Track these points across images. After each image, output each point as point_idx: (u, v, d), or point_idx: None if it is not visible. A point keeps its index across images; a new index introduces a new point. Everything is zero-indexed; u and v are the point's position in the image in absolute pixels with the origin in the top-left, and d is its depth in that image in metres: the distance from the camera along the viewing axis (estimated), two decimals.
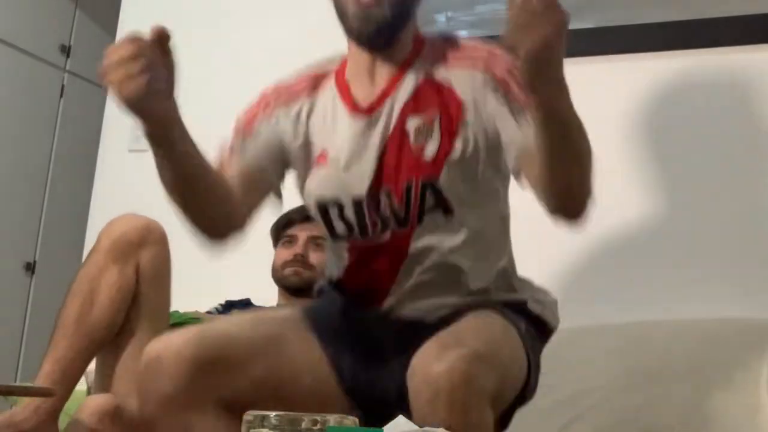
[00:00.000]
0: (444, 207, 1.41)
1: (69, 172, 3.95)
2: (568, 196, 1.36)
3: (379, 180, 1.42)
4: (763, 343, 1.87)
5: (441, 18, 2.52)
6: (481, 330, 1.30)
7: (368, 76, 1.48)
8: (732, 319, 1.96)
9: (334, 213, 1.46)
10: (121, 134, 2.86)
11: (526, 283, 1.57)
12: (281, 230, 2.32)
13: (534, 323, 1.48)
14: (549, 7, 1.15)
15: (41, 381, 1.64)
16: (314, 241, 2.27)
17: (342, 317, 1.51)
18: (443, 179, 1.39)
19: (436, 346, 1.21)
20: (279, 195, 1.56)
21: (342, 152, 1.45)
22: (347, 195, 1.44)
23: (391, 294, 1.46)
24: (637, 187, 2.21)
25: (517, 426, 1.76)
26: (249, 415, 1.04)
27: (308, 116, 1.50)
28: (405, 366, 1.25)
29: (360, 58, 1.49)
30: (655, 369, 1.92)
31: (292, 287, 2.25)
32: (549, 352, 1.79)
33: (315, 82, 1.54)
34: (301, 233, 2.28)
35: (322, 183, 1.47)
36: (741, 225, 2.10)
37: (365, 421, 1.35)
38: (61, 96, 3.98)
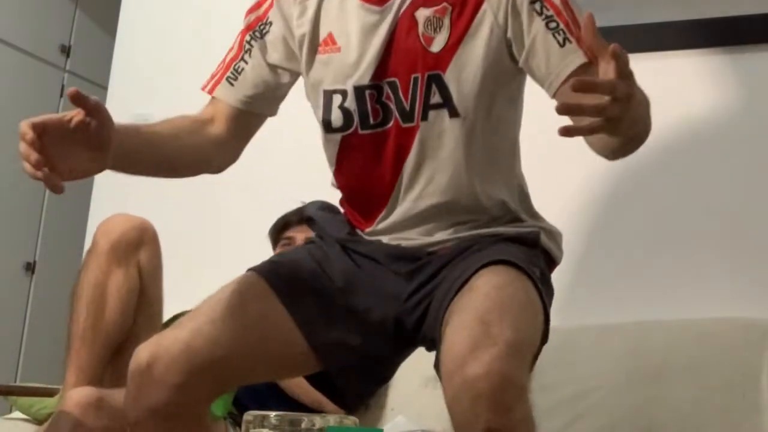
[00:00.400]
0: (450, 107, 1.37)
1: None
2: (627, 150, 1.38)
3: (383, 69, 1.39)
4: (763, 343, 1.87)
5: None
6: (506, 308, 1.23)
7: None
8: (732, 319, 1.96)
9: (336, 101, 1.43)
10: None
11: (536, 212, 1.52)
12: (279, 232, 2.32)
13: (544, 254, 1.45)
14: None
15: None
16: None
17: (323, 262, 1.45)
18: (450, 74, 1.36)
19: (465, 341, 1.16)
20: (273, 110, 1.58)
21: (349, 38, 1.42)
22: (350, 83, 1.41)
23: (389, 204, 1.42)
24: (637, 186, 2.21)
25: None
26: (249, 415, 1.05)
27: (319, 4, 1.47)
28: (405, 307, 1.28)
29: None
30: (655, 369, 1.92)
31: None
32: (549, 352, 1.78)
33: None
34: (299, 235, 2.28)
35: (325, 69, 1.44)
36: (741, 225, 2.10)
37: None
38: (61, 96, 3.98)
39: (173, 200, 2.72)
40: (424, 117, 1.38)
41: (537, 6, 1.35)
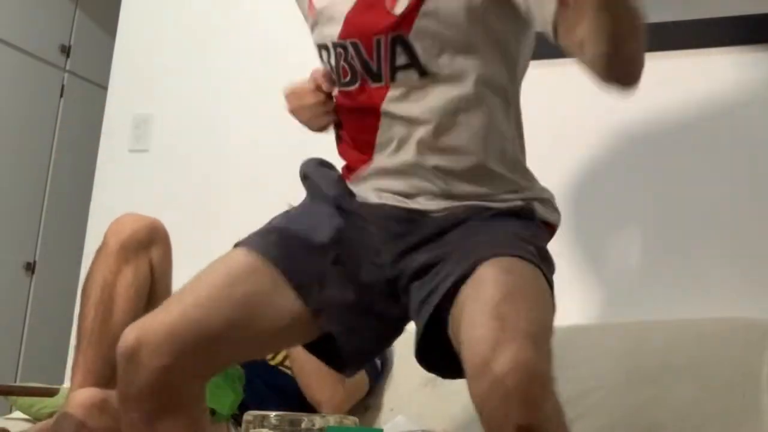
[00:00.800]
0: (418, 66, 1.36)
1: (69, 172, 3.95)
2: (621, 68, 1.36)
3: (349, 29, 1.41)
4: (763, 343, 1.87)
5: None
6: (517, 298, 1.22)
7: None
8: (732, 319, 1.96)
9: (324, 57, 1.48)
10: (121, 134, 2.87)
11: (528, 173, 1.50)
12: None
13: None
14: None
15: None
16: None
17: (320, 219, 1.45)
18: (414, 34, 1.35)
19: (485, 340, 1.14)
20: None
21: (324, 2, 1.46)
22: (330, 41, 1.45)
23: (374, 152, 1.43)
24: (637, 186, 2.21)
25: None
26: (249, 415, 1.05)
27: None
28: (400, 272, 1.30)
29: None
30: (655, 369, 1.92)
31: None
32: None
33: None
34: None
35: (313, 31, 1.51)
36: (741, 225, 2.10)
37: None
38: (61, 96, 3.98)
39: (173, 200, 2.72)
40: (393, 78, 1.38)
41: None
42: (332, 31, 1.43)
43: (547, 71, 2.36)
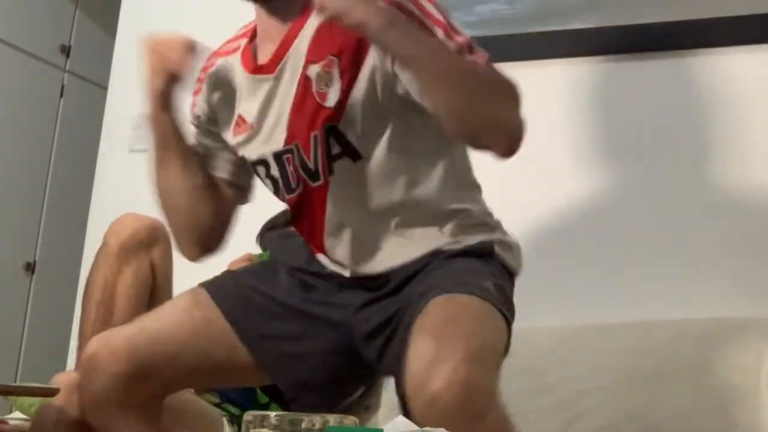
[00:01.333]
0: (351, 152, 1.38)
1: (69, 172, 3.94)
2: (473, 130, 1.33)
3: (291, 134, 1.41)
4: (763, 343, 1.87)
5: None
6: (458, 320, 1.24)
7: (270, 35, 1.47)
8: (732, 319, 1.96)
9: (262, 172, 1.48)
10: (121, 134, 2.86)
11: (492, 220, 1.49)
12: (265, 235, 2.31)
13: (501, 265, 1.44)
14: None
15: None
16: None
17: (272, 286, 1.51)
18: (344, 122, 1.37)
19: (423, 359, 1.17)
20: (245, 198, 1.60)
21: (256, 114, 1.45)
22: (269, 153, 1.44)
23: (326, 246, 1.45)
24: (635, 186, 2.21)
25: (517, 426, 1.76)
26: (249, 415, 1.05)
27: (211, 92, 1.52)
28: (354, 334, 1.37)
29: (261, 18, 1.51)
30: (655, 369, 1.92)
31: None
32: (549, 352, 1.79)
33: (216, 57, 1.56)
34: None
35: (246, 147, 1.48)
36: (741, 225, 2.10)
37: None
38: (61, 96, 3.97)
39: None
40: (330, 171, 1.40)
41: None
42: (277, 140, 1.42)
43: (545, 71, 2.37)
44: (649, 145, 2.22)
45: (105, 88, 2.99)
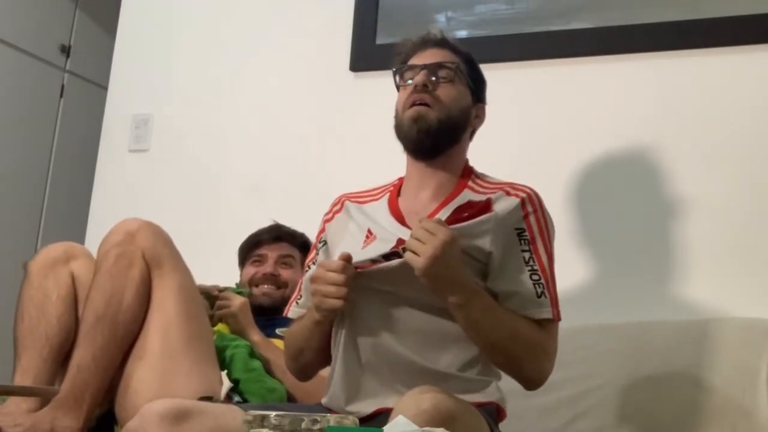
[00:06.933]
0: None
1: (69, 172, 3.94)
2: (505, 369, 1.58)
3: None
4: (763, 343, 1.87)
5: (441, 18, 2.52)
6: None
7: (417, 188, 1.70)
8: (732, 319, 1.96)
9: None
10: (121, 134, 2.87)
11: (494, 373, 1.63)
12: (250, 250, 2.32)
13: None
14: (436, 228, 1.46)
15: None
16: (283, 260, 2.27)
17: None
18: None
19: None
20: None
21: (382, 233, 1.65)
22: (380, 253, 1.59)
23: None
24: (636, 187, 2.21)
25: (518, 425, 1.76)
26: (249, 415, 1.04)
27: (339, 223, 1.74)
28: None
29: (413, 170, 1.73)
30: (655, 369, 1.92)
31: (260, 307, 2.20)
32: None
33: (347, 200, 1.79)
34: (271, 253, 2.28)
35: (369, 253, 1.61)
36: (741, 225, 2.10)
37: None
38: (61, 96, 3.97)
39: (173, 200, 2.72)
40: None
41: (526, 256, 1.59)
42: (387, 246, 1.59)
43: (545, 71, 2.37)
44: (650, 144, 2.22)
45: (105, 88, 2.99)
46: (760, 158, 2.12)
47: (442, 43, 1.71)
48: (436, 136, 1.64)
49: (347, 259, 1.54)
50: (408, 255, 1.47)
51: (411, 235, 1.48)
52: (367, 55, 2.57)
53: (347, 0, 2.62)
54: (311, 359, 1.69)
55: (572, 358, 1.96)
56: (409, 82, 1.67)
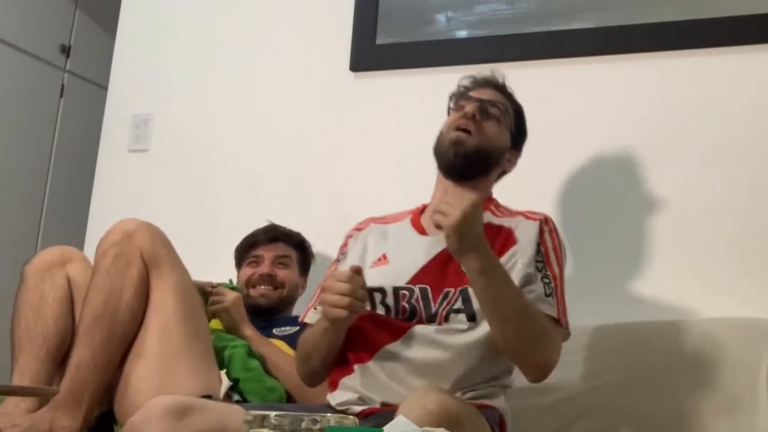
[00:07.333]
0: (469, 312, 1.64)
1: (69, 172, 3.94)
2: (514, 355, 1.62)
3: (419, 278, 1.70)
4: (763, 343, 1.87)
5: (441, 18, 2.52)
6: None
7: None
8: (732, 319, 1.96)
9: (377, 299, 1.71)
10: (121, 134, 2.87)
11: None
12: (246, 251, 2.32)
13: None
14: (463, 192, 1.58)
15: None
16: (279, 260, 2.27)
17: None
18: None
19: None
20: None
21: (399, 255, 1.76)
22: (390, 285, 1.70)
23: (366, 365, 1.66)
24: (636, 187, 2.21)
25: (518, 425, 1.76)
26: (249, 415, 1.04)
27: (379, 234, 1.85)
28: None
29: (440, 188, 1.82)
30: (655, 369, 1.92)
31: (258, 307, 2.20)
32: None
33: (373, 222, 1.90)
34: (267, 253, 2.28)
35: (373, 276, 1.71)
36: (741, 225, 2.10)
37: None
38: (61, 96, 3.97)
39: (173, 200, 2.72)
40: (446, 319, 1.65)
41: (539, 265, 1.70)
42: (399, 278, 1.71)
43: (545, 71, 2.37)
44: (650, 144, 2.22)
45: (105, 88, 2.99)
46: (760, 158, 2.12)
47: (501, 88, 1.87)
48: (469, 162, 1.76)
49: (357, 271, 1.60)
50: (437, 216, 1.53)
51: (439, 201, 1.57)
52: (367, 55, 2.57)
53: (347, 0, 2.62)
54: (317, 366, 1.74)
55: (572, 358, 1.95)
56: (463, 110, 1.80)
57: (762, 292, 2.03)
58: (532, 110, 2.37)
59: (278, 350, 2.07)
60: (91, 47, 4.01)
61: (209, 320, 2.06)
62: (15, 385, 1.73)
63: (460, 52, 2.45)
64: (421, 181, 2.43)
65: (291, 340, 2.13)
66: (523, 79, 2.38)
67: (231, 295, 2.10)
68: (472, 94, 1.84)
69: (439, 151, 1.81)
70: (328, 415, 1.05)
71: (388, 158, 2.50)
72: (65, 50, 3.98)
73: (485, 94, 1.84)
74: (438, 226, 1.55)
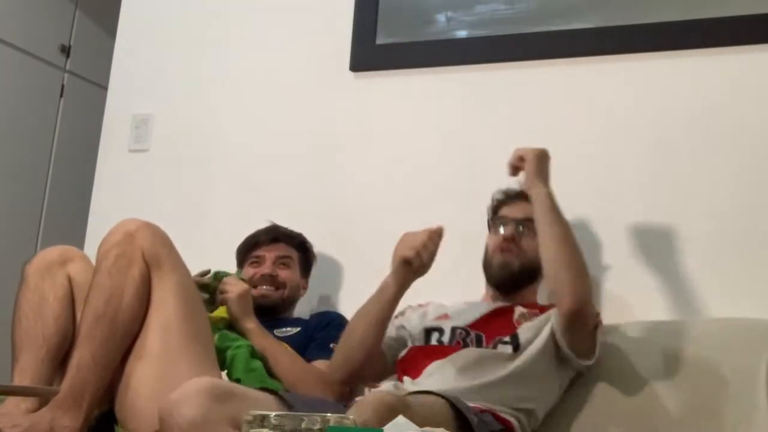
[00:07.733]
0: (515, 344, 1.87)
1: (69, 172, 3.94)
2: (567, 276, 1.80)
3: (476, 324, 1.95)
4: (763, 343, 1.87)
5: (441, 18, 2.52)
6: None
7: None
8: (732, 320, 1.96)
9: (434, 336, 1.96)
10: (121, 134, 2.87)
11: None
12: (248, 251, 2.32)
13: None
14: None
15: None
16: (281, 261, 2.27)
17: None
18: (521, 331, 1.91)
19: None
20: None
21: (459, 313, 2.00)
22: (449, 326, 1.96)
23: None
24: (639, 187, 2.21)
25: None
26: (249, 415, 1.04)
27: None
28: None
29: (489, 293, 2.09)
30: (655, 369, 1.92)
31: (259, 307, 2.18)
32: None
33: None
34: (269, 254, 2.28)
35: (437, 321, 2.00)
36: (741, 225, 2.10)
37: None
38: (61, 96, 3.97)
39: (173, 200, 2.72)
40: (494, 347, 1.88)
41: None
42: (458, 323, 1.96)
43: (545, 71, 2.37)
44: (651, 144, 2.22)
45: (105, 88, 2.99)
46: (761, 158, 2.12)
47: (528, 198, 2.00)
48: (518, 279, 2.01)
49: (438, 232, 1.84)
50: (519, 149, 1.92)
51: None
52: (367, 55, 2.57)
53: (347, 0, 2.62)
54: (357, 340, 1.91)
55: None
56: (501, 230, 2.03)
57: (762, 292, 2.03)
58: (532, 110, 2.37)
59: (279, 345, 2.07)
60: (91, 47, 4.01)
61: (217, 307, 2.06)
62: (15, 385, 1.73)
63: (460, 52, 2.45)
64: (421, 180, 2.44)
65: (292, 342, 2.13)
66: (523, 79, 2.39)
67: (238, 288, 2.10)
68: (505, 212, 2.06)
69: (489, 272, 2.05)
70: (329, 415, 1.05)
71: (388, 158, 2.50)
72: (65, 50, 3.98)
73: (517, 210, 2.04)
74: (517, 168, 1.93)
